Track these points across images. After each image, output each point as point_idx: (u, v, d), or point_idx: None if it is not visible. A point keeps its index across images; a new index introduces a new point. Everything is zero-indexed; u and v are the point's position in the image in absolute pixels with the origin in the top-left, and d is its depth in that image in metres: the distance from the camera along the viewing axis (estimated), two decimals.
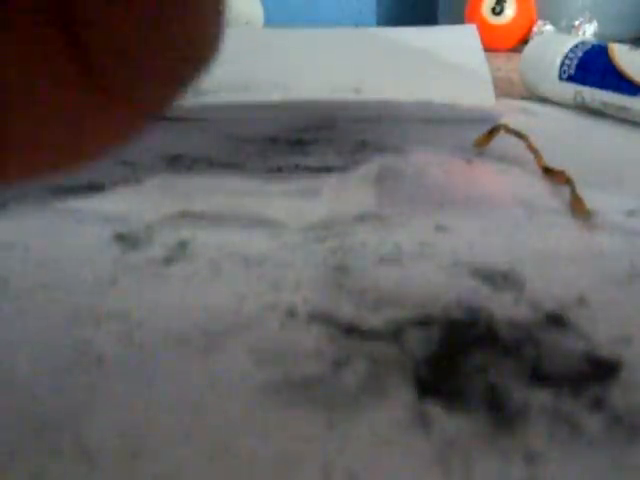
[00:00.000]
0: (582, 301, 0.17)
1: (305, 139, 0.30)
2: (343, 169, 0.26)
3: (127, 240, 0.20)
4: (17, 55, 0.07)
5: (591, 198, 0.22)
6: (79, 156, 0.08)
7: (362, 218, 0.22)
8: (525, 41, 0.59)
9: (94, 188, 0.24)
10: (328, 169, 0.26)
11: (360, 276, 0.18)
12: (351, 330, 0.15)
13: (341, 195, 0.24)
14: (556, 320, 0.16)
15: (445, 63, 0.35)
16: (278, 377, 0.14)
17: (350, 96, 0.33)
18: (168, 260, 0.19)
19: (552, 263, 0.19)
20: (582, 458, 0.12)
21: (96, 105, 0.07)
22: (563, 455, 0.12)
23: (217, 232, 0.20)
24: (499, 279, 0.18)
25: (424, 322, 0.16)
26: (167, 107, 0.08)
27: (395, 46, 0.37)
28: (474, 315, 0.16)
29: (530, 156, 0.27)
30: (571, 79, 0.35)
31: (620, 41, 0.38)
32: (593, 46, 0.35)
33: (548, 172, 0.25)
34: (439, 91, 0.33)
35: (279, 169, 0.26)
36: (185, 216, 0.22)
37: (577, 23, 0.59)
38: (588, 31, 0.58)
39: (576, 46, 0.36)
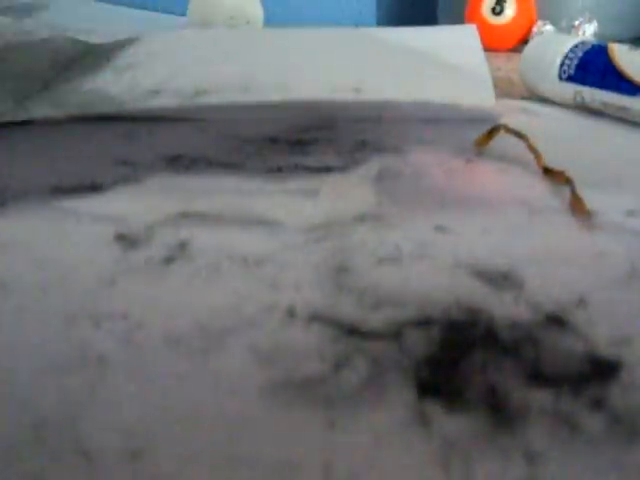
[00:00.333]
0: (582, 301, 0.17)
1: (305, 139, 0.30)
2: (343, 169, 0.26)
3: (127, 240, 0.20)
4: None
5: (591, 198, 0.22)
6: None
7: (362, 218, 0.22)
8: (525, 41, 0.59)
9: (94, 188, 0.24)
10: (328, 169, 0.26)
11: (360, 276, 0.18)
12: (351, 330, 0.15)
13: (341, 195, 0.24)
14: (556, 320, 0.16)
15: (445, 63, 0.35)
16: (278, 377, 0.14)
17: (350, 96, 0.33)
18: (168, 260, 0.19)
19: (552, 263, 0.19)
20: (582, 458, 0.12)
21: None
22: (563, 455, 0.12)
23: (217, 232, 0.20)
24: (499, 279, 0.18)
25: (424, 322, 0.16)
26: None
27: (395, 46, 0.37)
28: (474, 315, 0.16)
29: (530, 156, 0.27)
30: (571, 79, 0.35)
31: (620, 41, 0.38)
32: (593, 46, 0.35)
33: (548, 172, 0.25)
34: (439, 91, 0.33)
35: (279, 169, 0.26)
36: (185, 216, 0.22)
37: (577, 23, 0.59)
38: (588, 31, 0.58)
39: (576, 46, 0.36)
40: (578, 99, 0.35)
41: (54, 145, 0.29)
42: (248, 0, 0.60)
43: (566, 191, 0.24)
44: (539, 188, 0.24)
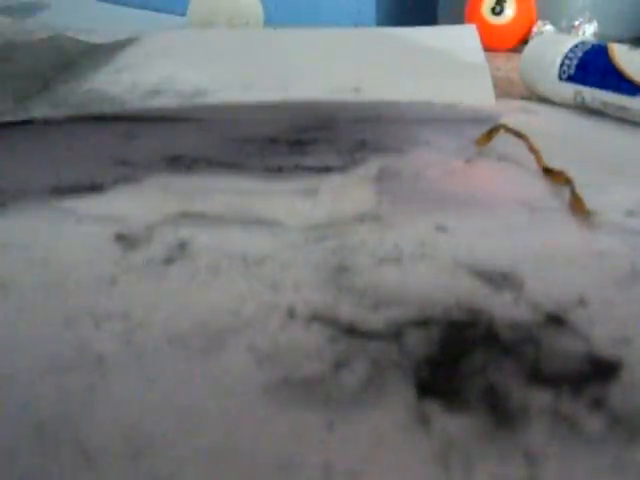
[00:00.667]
0: (582, 301, 0.17)
1: (305, 139, 0.30)
2: (343, 169, 0.26)
3: (127, 240, 0.20)
4: None
5: (591, 198, 0.23)
6: None
7: (362, 218, 0.22)
8: (525, 41, 0.59)
9: (94, 188, 0.24)
10: (328, 169, 0.26)
11: (360, 276, 0.18)
12: (351, 330, 0.15)
13: (341, 195, 0.24)
14: (556, 320, 0.16)
15: (445, 63, 0.35)
16: (278, 377, 0.14)
17: (350, 96, 0.33)
18: (168, 260, 0.19)
19: (552, 263, 0.19)
20: (582, 458, 0.12)
21: None
22: (563, 455, 0.12)
23: (217, 232, 0.20)
24: (499, 279, 0.18)
25: (424, 322, 0.16)
26: None
27: (395, 46, 0.37)
28: (474, 315, 0.16)
29: (530, 156, 0.27)
30: (571, 79, 0.35)
31: (620, 41, 0.38)
32: (593, 46, 0.35)
33: (548, 172, 0.25)
34: (439, 91, 0.33)
35: (279, 169, 0.26)
36: (185, 216, 0.22)
37: (577, 23, 0.59)
38: (588, 31, 0.58)
39: (576, 46, 0.36)
40: (578, 99, 0.35)
41: (54, 145, 0.29)
42: (248, 0, 0.60)
43: (566, 191, 0.24)
44: (539, 188, 0.24)
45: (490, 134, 0.29)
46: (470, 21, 0.59)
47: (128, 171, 0.26)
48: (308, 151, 0.29)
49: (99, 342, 0.15)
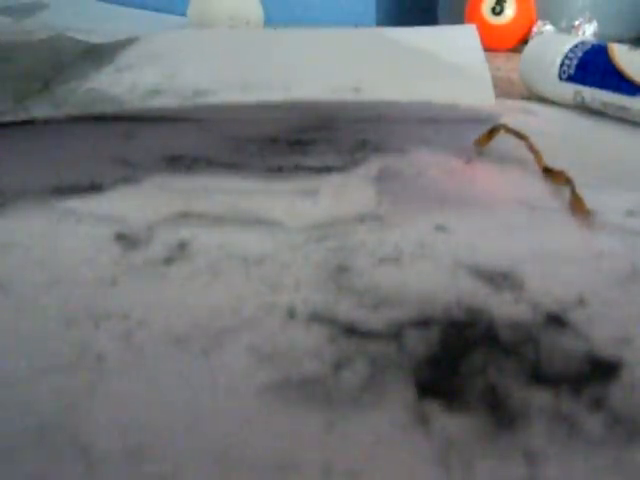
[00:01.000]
0: (582, 301, 0.17)
1: (305, 139, 0.30)
2: (343, 169, 0.26)
3: (127, 240, 0.20)
4: None
5: (591, 198, 0.23)
6: None
7: (362, 218, 0.22)
8: (525, 41, 0.59)
9: (94, 188, 0.24)
10: (328, 169, 0.26)
11: (360, 276, 0.18)
12: (351, 330, 0.15)
13: (341, 195, 0.24)
14: (556, 320, 0.16)
15: (445, 63, 0.35)
16: (278, 377, 0.14)
17: (350, 96, 0.33)
18: (168, 260, 0.19)
19: (552, 263, 0.19)
20: (582, 458, 0.12)
21: None
22: (563, 455, 0.12)
23: (217, 232, 0.20)
24: (499, 279, 0.18)
25: (424, 322, 0.16)
26: None
27: (395, 46, 0.37)
28: (474, 315, 0.16)
29: (530, 156, 0.27)
30: (571, 79, 0.35)
31: (620, 41, 0.38)
32: (593, 46, 0.35)
33: (548, 172, 0.25)
34: (439, 91, 0.33)
35: (279, 169, 0.26)
36: (185, 216, 0.22)
37: (577, 23, 0.59)
38: (588, 31, 0.58)
39: (576, 46, 0.36)
40: (578, 99, 0.35)
41: (54, 145, 0.29)
42: (248, 0, 0.60)
43: (566, 191, 0.24)
44: (539, 188, 0.24)
45: (490, 134, 0.29)
46: (470, 21, 0.59)
47: (128, 171, 0.26)
48: (308, 151, 0.29)
49: (99, 342, 0.15)
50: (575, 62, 0.35)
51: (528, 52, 0.39)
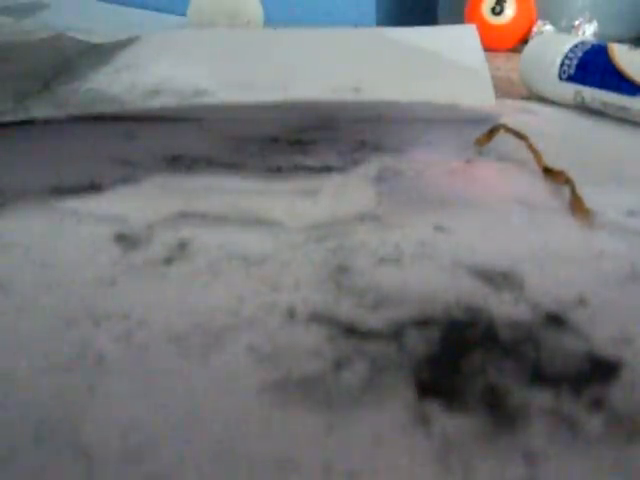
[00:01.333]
0: (582, 301, 0.17)
1: (305, 139, 0.30)
2: (343, 169, 0.26)
3: (127, 240, 0.20)
4: None
5: (591, 198, 0.23)
6: None
7: (362, 218, 0.22)
8: (525, 41, 0.59)
9: (94, 188, 0.24)
10: (328, 169, 0.26)
11: (360, 276, 0.18)
12: (351, 330, 0.15)
13: (341, 195, 0.24)
14: (556, 320, 0.16)
15: (445, 63, 0.35)
16: (278, 377, 0.14)
17: (350, 96, 0.33)
18: (168, 260, 0.19)
19: (552, 263, 0.19)
20: (582, 458, 0.12)
21: None
22: (563, 455, 0.12)
23: (217, 232, 0.20)
24: (499, 279, 0.18)
25: (424, 322, 0.16)
26: None
27: (395, 46, 0.37)
28: (474, 315, 0.16)
29: (530, 156, 0.27)
30: (571, 79, 0.35)
31: (620, 41, 0.38)
32: (593, 46, 0.35)
33: (548, 172, 0.25)
34: (439, 91, 0.33)
35: (279, 169, 0.26)
36: (185, 216, 0.22)
37: (577, 23, 0.59)
38: (588, 31, 0.58)
39: (576, 46, 0.36)
40: (578, 99, 0.35)
41: (54, 145, 0.29)
42: (248, 0, 0.60)
43: (566, 191, 0.24)
44: (539, 188, 0.24)
45: (490, 134, 0.29)
46: (470, 21, 0.59)
47: (128, 171, 0.26)
48: (308, 151, 0.29)
49: (99, 342, 0.15)
50: (575, 62, 0.35)
51: (528, 52, 0.39)
